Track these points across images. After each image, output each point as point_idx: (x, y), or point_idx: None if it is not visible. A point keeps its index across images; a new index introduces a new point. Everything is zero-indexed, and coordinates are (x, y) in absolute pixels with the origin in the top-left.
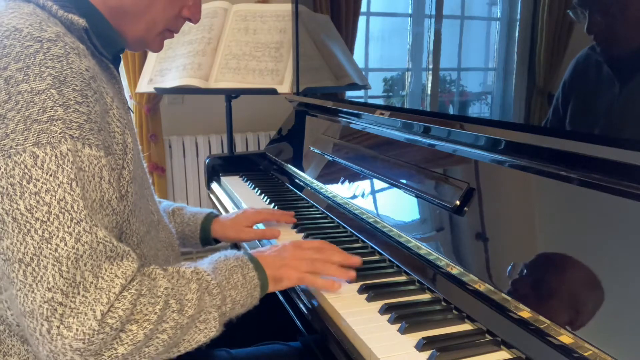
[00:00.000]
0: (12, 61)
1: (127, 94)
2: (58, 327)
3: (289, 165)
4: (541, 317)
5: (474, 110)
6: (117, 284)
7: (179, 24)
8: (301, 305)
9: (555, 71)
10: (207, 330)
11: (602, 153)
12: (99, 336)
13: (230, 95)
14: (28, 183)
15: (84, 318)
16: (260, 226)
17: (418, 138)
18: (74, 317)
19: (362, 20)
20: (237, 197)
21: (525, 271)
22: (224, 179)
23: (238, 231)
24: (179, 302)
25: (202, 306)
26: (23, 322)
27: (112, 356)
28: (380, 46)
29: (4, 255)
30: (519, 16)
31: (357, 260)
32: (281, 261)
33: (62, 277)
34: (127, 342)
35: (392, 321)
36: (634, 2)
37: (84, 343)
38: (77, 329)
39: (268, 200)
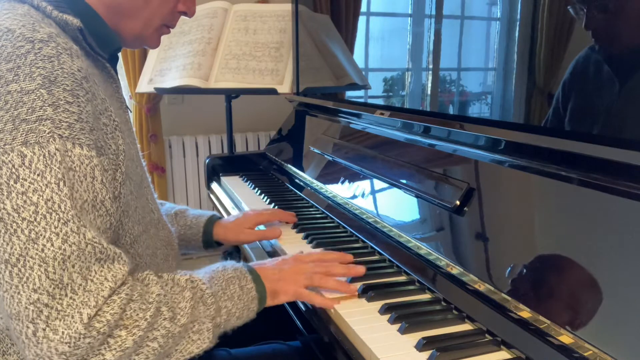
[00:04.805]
0: (3, 61)
1: (127, 94)
2: (44, 330)
3: (289, 165)
4: (541, 317)
5: (473, 110)
6: (106, 287)
7: (175, 18)
8: (301, 305)
9: (555, 71)
10: (199, 342)
11: (602, 153)
12: (85, 340)
13: (230, 95)
14: (15, 182)
15: (70, 321)
16: (262, 227)
17: (418, 138)
18: (60, 320)
19: (362, 20)
20: (237, 197)
21: (525, 271)
22: (224, 179)
23: (238, 233)
24: (171, 309)
25: (195, 315)
26: (10, 324)
27: None
28: (380, 46)
29: None
30: (519, 16)
31: (360, 270)
32: (279, 274)
33: (49, 278)
34: (115, 348)
35: (392, 321)
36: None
37: (69, 347)
38: (62, 332)
39: (268, 200)
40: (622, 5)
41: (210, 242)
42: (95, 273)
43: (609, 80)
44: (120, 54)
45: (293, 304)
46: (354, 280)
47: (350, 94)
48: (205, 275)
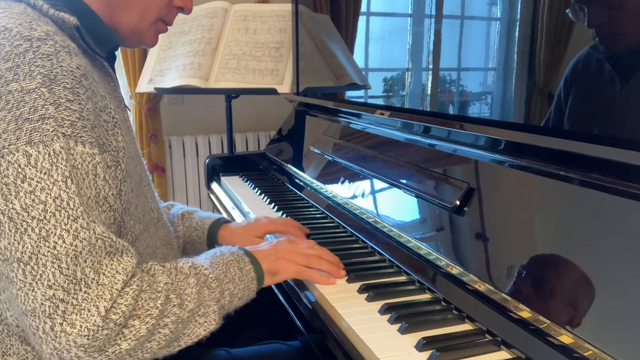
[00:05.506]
0: (2, 61)
1: (127, 94)
2: (61, 324)
3: (289, 165)
4: (541, 317)
5: (473, 110)
6: (118, 280)
7: (172, 14)
8: (301, 305)
9: (555, 71)
10: (206, 324)
11: (602, 153)
12: (103, 332)
13: (230, 95)
14: (22, 182)
15: (87, 314)
16: (269, 237)
17: (418, 138)
18: (76, 314)
19: (362, 20)
20: (237, 197)
21: (525, 271)
22: (224, 179)
23: (246, 240)
24: (179, 296)
25: (201, 300)
26: (24, 321)
27: (116, 352)
28: (380, 46)
29: (2, 255)
30: (519, 16)
31: (342, 272)
32: (276, 254)
33: (62, 274)
34: (130, 338)
35: (392, 321)
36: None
37: (88, 339)
38: (80, 326)
39: (268, 200)
40: (623, 3)
41: (214, 245)
42: (107, 267)
43: (609, 80)
44: (120, 54)
45: (293, 304)
46: (351, 278)
47: (350, 94)
48: (206, 261)
